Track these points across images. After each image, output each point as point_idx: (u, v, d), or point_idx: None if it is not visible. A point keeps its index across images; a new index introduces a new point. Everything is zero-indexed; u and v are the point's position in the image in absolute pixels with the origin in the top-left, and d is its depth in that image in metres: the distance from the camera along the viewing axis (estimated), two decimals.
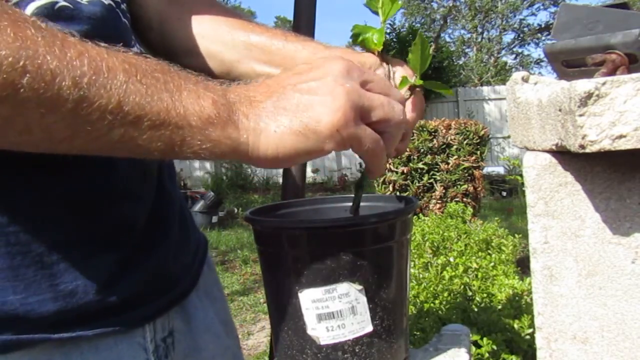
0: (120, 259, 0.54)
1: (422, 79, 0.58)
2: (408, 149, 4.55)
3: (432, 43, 0.56)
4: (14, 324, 0.46)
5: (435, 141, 4.60)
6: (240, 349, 0.78)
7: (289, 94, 0.44)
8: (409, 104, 0.58)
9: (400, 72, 0.60)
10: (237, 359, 0.75)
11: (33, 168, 0.47)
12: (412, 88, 0.57)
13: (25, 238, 0.47)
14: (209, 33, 0.69)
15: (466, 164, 4.54)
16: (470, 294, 1.88)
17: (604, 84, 0.40)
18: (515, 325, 1.63)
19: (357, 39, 0.60)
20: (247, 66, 0.67)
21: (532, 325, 1.60)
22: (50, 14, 0.48)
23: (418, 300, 1.80)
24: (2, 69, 0.34)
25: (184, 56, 0.70)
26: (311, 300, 0.52)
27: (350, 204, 0.64)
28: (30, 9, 0.47)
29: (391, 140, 0.48)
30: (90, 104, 0.38)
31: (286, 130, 0.43)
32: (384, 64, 0.60)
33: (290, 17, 1.31)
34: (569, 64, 0.60)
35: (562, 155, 0.49)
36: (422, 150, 4.59)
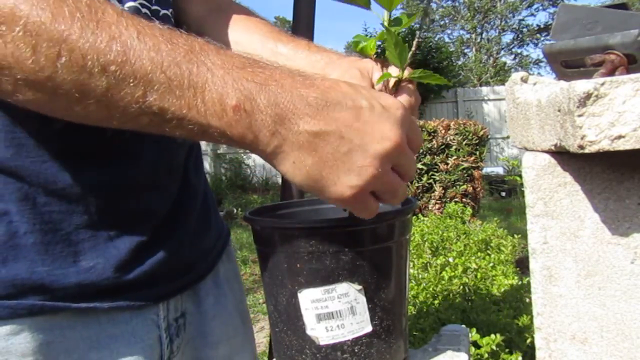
0: (139, 244, 0.59)
1: (417, 82, 0.58)
2: None
3: (419, 31, 0.56)
4: (40, 292, 0.52)
5: (434, 141, 4.60)
6: (254, 338, 0.81)
7: (330, 139, 0.42)
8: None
9: (395, 71, 0.61)
10: (246, 348, 0.78)
11: (70, 158, 0.52)
12: (397, 83, 0.57)
13: (58, 218, 0.53)
14: (242, 41, 0.72)
15: (465, 165, 4.54)
16: (469, 294, 1.88)
17: (603, 84, 0.40)
18: (515, 326, 1.63)
19: (357, 47, 0.64)
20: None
21: (531, 325, 1.60)
22: None
23: (417, 301, 1.80)
24: (42, 51, 0.38)
25: None
26: (310, 301, 0.52)
27: None
28: None
29: (387, 203, 0.50)
30: (117, 92, 0.40)
31: (303, 169, 0.43)
32: (381, 67, 0.62)
33: (290, 18, 1.31)
34: (568, 65, 0.60)
35: (562, 155, 0.49)
36: (421, 150, 4.59)
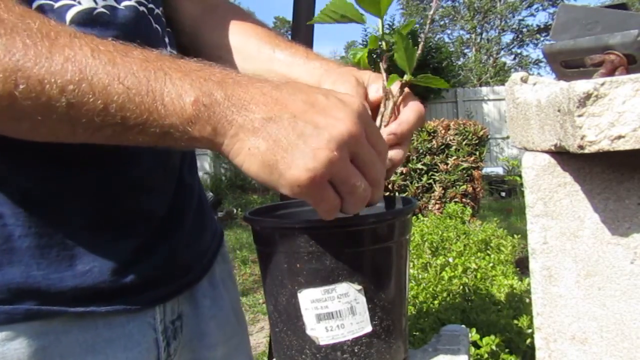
0: (136, 246, 0.59)
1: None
2: None
3: (421, 37, 0.56)
4: (36, 296, 0.52)
5: (434, 141, 4.60)
6: (248, 338, 0.82)
7: (284, 123, 0.42)
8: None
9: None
10: (242, 348, 0.78)
11: (65, 162, 0.52)
12: (403, 86, 0.57)
13: (53, 221, 0.53)
14: (238, 44, 0.72)
15: (465, 165, 4.54)
16: (469, 294, 1.88)
17: (602, 84, 0.40)
18: (515, 326, 1.63)
19: (355, 58, 0.66)
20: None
21: (531, 325, 1.60)
22: (89, 18, 0.53)
23: (417, 301, 1.80)
24: None
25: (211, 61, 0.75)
26: (310, 301, 0.52)
27: None
28: (70, 14, 0.52)
29: (349, 207, 0.47)
30: (78, 109, 0.41)
31: (258, 155, 0.43)
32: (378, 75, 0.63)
33: (289, 18, 1.31)
34: (568, 65, 0.60)
35: (561, 155, 0.49)
36: (421, 150, 4.59)
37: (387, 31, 0.61)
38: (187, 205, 0.68)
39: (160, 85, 0.42)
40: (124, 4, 0.57)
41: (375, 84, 0.61)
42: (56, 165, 0.52)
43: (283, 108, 0.43)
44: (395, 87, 0.58)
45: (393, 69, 0.59)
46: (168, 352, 0.64)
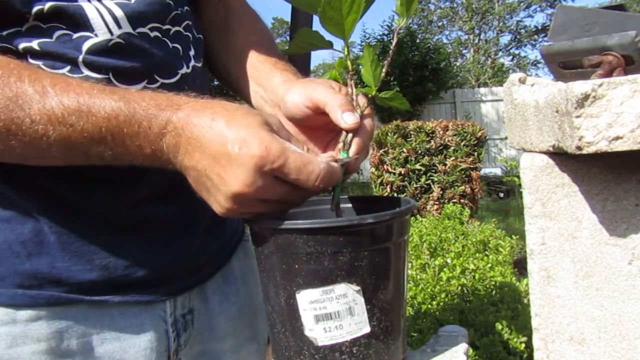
0: (150, 246, 0.65)
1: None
2: (405, 150, 4.57)
3: (386, 57, 0.58)
4: (59, 285, 0.60)
5: (432, 142, 4.61)
6: (265, 332, 0.83)
7: (199, 173, 0.51)
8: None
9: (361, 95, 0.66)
10: (254, 341, 0.81)
11: (85, 177, 0.60)
12: (368, 100, 0.59)
13: (75, 222, 0.61)
14: (239, 51, 0.77)
15: (463, 165, 4.55)
16: (467, 295, 1.88)
17: (600, 85, 0.40)
18: (513, 327, 1.63)
19: (328, 75, 0.71)
20: (245, 82, 0.76)
21: (529, 326, 1.60)
22: (105, 49, 0.59)
23: (415, 302, 1.80)
24: None
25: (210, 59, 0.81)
26: (309, 301, 0.52)
27: (349, 204, 0.65)
28: (87, 45, 0.58)
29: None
30: (34, 159, 0.52)
31: (194, 186, 0.54)
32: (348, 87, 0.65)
33: (287, 18, 1.32)
34: (566, 66, 0.60)
35: (559, 156, 0.49)
36: (419, 151, 4.60)
37: (387, 32, 0.61)
38: (203, 210, 0.69)
39: (124, 147, 0.52)
40: (138, 30, 0.61)
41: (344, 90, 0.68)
42: (79, 180, 0.60)
43: (200, 158, 0.50)
44: (362, 99, 0.60)
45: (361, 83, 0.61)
46: (178, 343, 0.70)
